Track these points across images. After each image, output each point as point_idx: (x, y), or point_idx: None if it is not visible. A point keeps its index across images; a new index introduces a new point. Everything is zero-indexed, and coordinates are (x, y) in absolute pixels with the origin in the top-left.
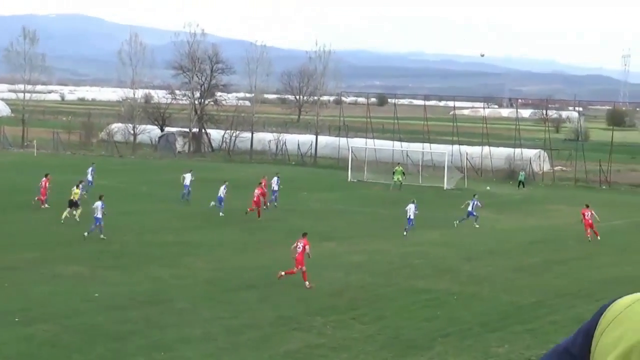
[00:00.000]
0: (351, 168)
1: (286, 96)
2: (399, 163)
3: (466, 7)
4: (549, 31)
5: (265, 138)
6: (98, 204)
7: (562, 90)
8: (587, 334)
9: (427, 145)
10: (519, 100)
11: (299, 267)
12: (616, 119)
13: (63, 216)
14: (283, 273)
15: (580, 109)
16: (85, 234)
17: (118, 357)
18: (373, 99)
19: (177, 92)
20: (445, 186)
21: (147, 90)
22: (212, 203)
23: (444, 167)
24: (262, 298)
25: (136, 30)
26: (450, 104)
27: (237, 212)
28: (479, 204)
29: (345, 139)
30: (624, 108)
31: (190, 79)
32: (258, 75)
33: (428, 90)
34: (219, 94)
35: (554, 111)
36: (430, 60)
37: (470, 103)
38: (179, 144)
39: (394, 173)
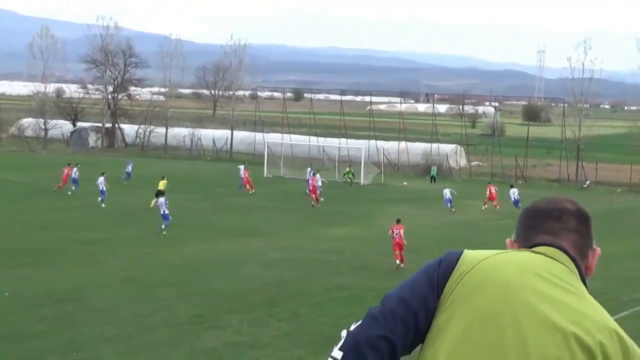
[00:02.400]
0: (267, 163)
1: (201, 91)
2: (350, 165)
3: (382, 2)
4: (466, 27)
5: (180, 133)
6: (161, 200)
7: (478, 85)
8: (437, 281)
9: (343, 140)
10: (436, 96)
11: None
12: (532, 114)
13: (152, 205)
14: (399, 263)
15: (496, 104)
16: (164, 233)
17: (30, 357)
18: (289, 94)
19: (90, 86)
20: (362, 182)
21: (58, 85)
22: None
23: (360, 163)
24: (178, 295)
25: (48, 23)
26: (367, 99)
27: (154, 208)
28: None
29: (261, 134)
30: (539, 103)
31: (103, 73)
32: (172, 70)
33: (345, 86)
34: (132, 88)
35: (470, 106)
36: (347, 55)
37: (387, 98)
38: (92, 139)
39: (344, 174)
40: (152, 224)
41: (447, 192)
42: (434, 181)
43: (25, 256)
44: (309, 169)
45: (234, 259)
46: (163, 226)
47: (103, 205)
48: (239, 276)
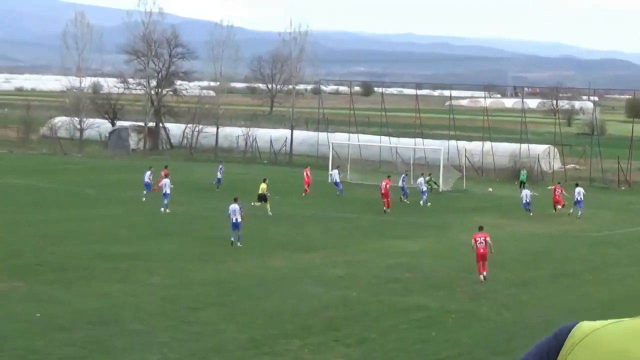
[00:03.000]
0: (332, 167)
1: (257, 85)
2: (430, 173)
3: None
4: (559, 9)
5: (232, 133)
6: (235, 207)
7: (574, 77)
8: (548, 355)
9: (419, 140)
10: (525, 89)
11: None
12: (637, 110)
13: (269, 211)
14: (485, 276)
15: (596, 98)
16: (239, 244)
17: None
18: (357, 88)
19: (131, 80)
20: (441, 187)
21: (95, 79)
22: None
23: (439, 166)
24: (228, 317)
25: (83, 9)
26: (446, 93)
27: (199, 218)
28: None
29: (325, 134)
30: None
31: (145, 66)
32: (224, 61)
33: (421, 78)
34: (178, 82)
35: (566, 101)
36: (421, 43)
37: (469, 92)
38: (133, 140)
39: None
40: (189, 235)
41: (527, 195)
42: (524, 187)
43: (52, 272)
44: (403, 175)
45: (290, 276)
46: (232, 239)
47: (168, 210)
48: (296, 296)
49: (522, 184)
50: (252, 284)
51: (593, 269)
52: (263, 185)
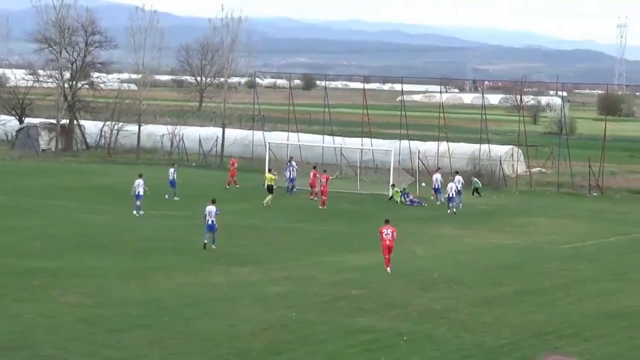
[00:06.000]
0: (269, 171)
1: (184, 77)
2: (393, 185)
3: None
4: None
5: (156, 132)
6: (212, 208)
7: (541, 69)
8: None
9: (367, 140)
10: (486, 83)
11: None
12: (610, 107)
13: (265, 202)
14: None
15: (565, 93)
16: (213, 246)
17: None
18: (297, 81)
19: (41, 72)
20: (392, 194)
21: (0, 70)
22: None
23: (389, 169)
24: (154, 340)
25: None
26: (397, 87)
27: (124, 229)
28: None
29: (260, 132)
30: (619, 92)
31: (58, 55)
32: (147, 50)
33: (368, 70)
34: (95, 74)
35: (531, 96)
36: (370, 31)
37: (424, 86)
38: (44, 139)
39: (391, 197)
40: (121, 248)
41: (453, 187)
42: (478, 193)
43: None
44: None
45: (224, 295)
46: (205, 241)
47: (141, 212)
48: (231, 316)
49: (475, 191)
50: (183, 303)
51: (564, 286)
52: (270, 176)
